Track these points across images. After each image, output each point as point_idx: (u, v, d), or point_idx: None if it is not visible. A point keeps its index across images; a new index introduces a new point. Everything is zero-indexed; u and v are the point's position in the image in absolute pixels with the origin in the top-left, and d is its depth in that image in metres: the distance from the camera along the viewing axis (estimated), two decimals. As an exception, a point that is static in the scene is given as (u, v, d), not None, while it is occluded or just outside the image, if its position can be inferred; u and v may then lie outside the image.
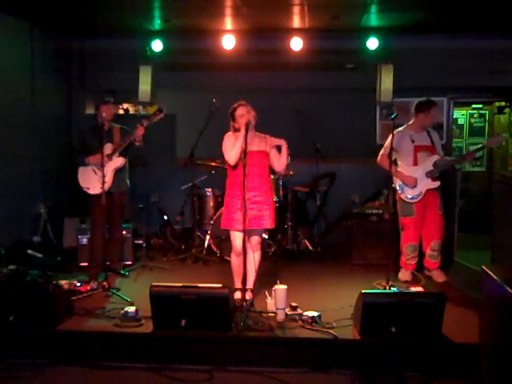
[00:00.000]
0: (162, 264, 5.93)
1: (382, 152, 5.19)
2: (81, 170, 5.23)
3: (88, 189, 5.17)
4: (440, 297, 3.79)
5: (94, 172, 5.13)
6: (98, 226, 5.21)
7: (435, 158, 5.05)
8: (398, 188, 5.11)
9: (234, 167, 4.41)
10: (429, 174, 5.03)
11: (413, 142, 5.06)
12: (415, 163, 5.07)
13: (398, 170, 5.12)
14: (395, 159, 5.12)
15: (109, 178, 5.06)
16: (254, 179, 4.37)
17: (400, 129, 5.16)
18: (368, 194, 6.58)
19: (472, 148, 5.69)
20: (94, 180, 5.12)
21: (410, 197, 5.06)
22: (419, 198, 5.05)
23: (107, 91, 6.82)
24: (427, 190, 5.05)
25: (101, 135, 4.93)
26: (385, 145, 5.17)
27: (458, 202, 6.25)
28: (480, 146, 5.13)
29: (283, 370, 3.62)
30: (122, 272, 5.46)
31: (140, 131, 5.03)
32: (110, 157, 5.10)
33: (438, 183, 5.06)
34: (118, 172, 5.20)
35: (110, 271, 5.08)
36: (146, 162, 6.52)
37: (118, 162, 5.17)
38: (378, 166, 5.27)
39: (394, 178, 5.14)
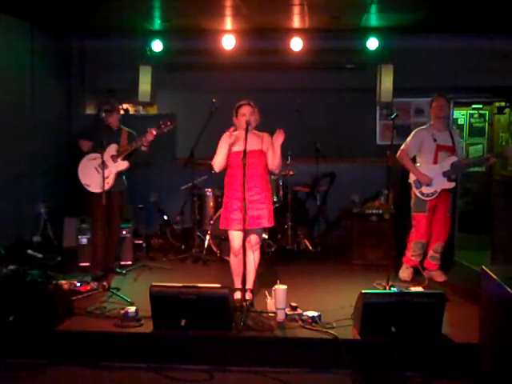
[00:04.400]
0: (162, 264, 5.93)
1: (402, 147, 5.20)
2: (82, 164, 5.17)
3: (88, 186, 5.13)
4: (440, 297, 3.78)
5: (97, 170, 5.10)
6: (99, 224, 5.19)
7: (454, 158, 5.06)
8: (413, 184, 5.13)
9: (231, 171, 4.41)
10: (446, 174, 5.04)
11: (435, 140, 5.08)
12: (435, 162, 5.08)
13: (417, 166, 5.13)
14: (414, 156, 5.16)
15: (111, 180, 5.07)
16: (252, 178, 4.35)
17: (423, 127, 5.21)
18: (368, 194, 6.57)
19: (487, 155, 5.77)
20: (95, 178, 5.09)
21: (425, 194, 5.07)
22: (434, 197, 5.06)
23: (106, 91, 6.82)
24: (442, 190, 5.06)
25: (105, 133, 4.90)
26: (406, 140, 5.20)
27: (457, 202, 6.26)
28: (500, 152, 5.12)
29: (283, 370, 3.62)
30: (119, 270, 5.44)
31: (150, 137, 5.02)
32: (114, 158, 5.09)
33: (453, 184, 5.08)
34: (118, 173, 5.20)
35: (109, 271, 5.08)
36: (148, 162, 6.51)
37: (123, 165, 5.16)
38: (378, 166, 5.27)
39: (411, 173, 5.17)
